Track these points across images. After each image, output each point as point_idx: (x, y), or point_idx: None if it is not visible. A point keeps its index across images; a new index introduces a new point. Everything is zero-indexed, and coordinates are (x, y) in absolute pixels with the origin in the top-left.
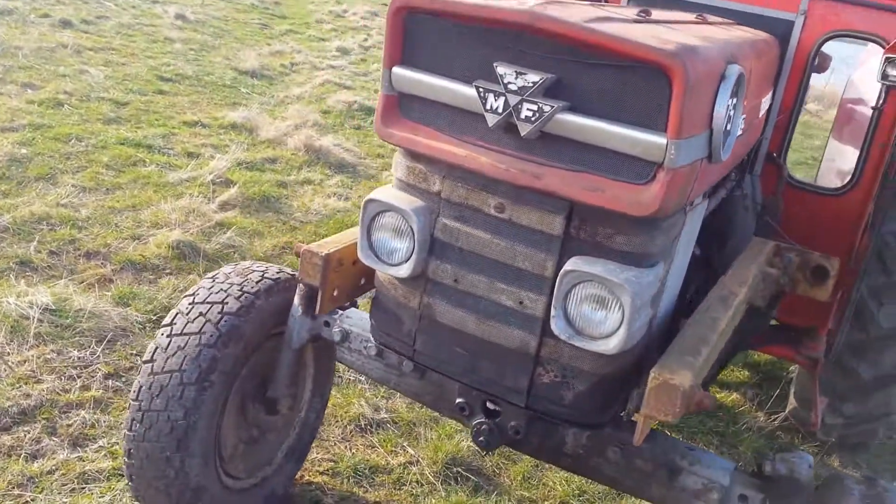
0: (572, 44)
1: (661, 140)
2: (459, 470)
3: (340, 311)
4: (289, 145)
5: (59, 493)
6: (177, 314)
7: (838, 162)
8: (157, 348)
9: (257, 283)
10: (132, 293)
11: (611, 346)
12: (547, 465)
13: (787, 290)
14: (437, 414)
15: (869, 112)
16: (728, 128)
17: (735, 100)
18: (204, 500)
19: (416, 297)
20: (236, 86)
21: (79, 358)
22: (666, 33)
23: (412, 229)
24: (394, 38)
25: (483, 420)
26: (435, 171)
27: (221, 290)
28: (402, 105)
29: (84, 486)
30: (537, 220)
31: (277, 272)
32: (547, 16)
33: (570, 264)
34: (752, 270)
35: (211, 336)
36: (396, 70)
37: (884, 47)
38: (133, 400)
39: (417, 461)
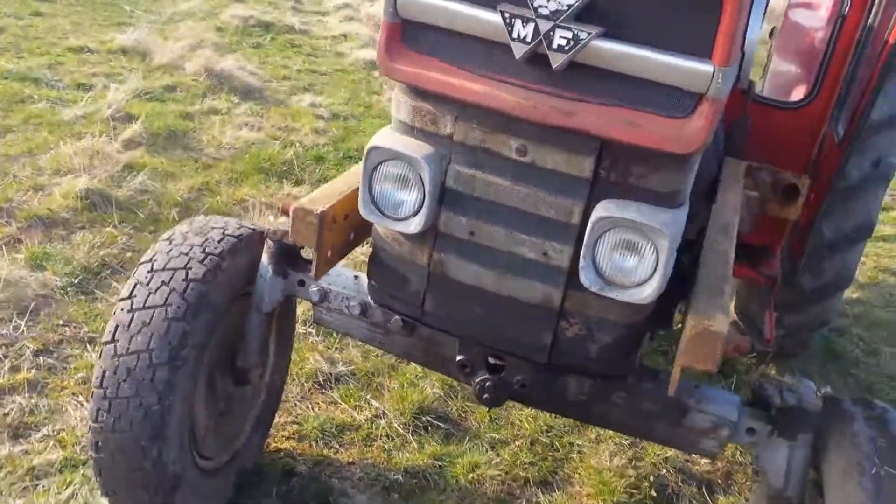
0: None
1: (707, 68)
2: (428, 419)
3: (307, 264)
4: (187, 70)
5: (10, 495)
6: (135, 285)
7: (785, 75)
8: (117, 326)
9: (219, 242)
10: (45, 254)
11: (645, 294)
12: (511, 404)
13: (758, 210)
14: (395, 361)
15: (819, 23)
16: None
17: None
18: (181, 488)
19: (424, 253)
20: (117, 1)
21: (1, 335)
22: None
23: (422, 179)
24: None
25: (487, 376)
26: (446, 110)
27: (182, 253)
28: (406, 34)
29: (37, 482)
30: (564, 163)
31: (238, 228)
32: None
33: (602, 209)
34: (738, 195)
35: (178, 307)
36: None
37: None
38: (96, 387)
39: (384, 413)
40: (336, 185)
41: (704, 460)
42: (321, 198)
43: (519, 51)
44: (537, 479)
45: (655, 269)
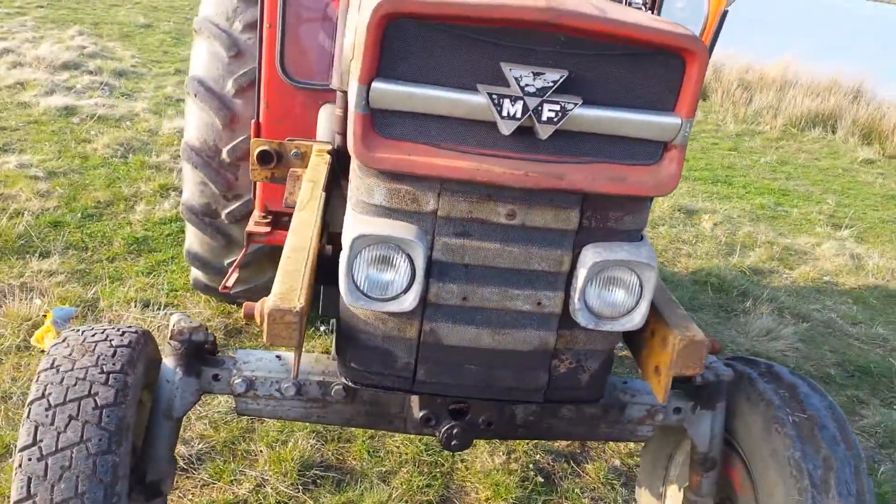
0: (591, 36)
1: (675, 120)
2: (315, 473)
3: (223, 358)
4: None
5: None
6: (36, 429)
7: None
8: (30, 479)
9: (114, 356)
10: None
11: (636, 321)
12: (379, 433)
13: None
14: (249, 423)
15: None
16: None
17: None
18: None
19: (413, 326)
20: None
21: None
22: (647, 15)
23: (411, 257)
24: (373, 50)
25: (452, 423)
26: (427, 189)
27: (79, 379)
28: (378, 122)
29: None
30: (552, 219)
31: (122, 334)
32: (569, 11)
33: (592, 255)
34: None
35: (101, 440)
36: (377, 85)
37: None
38: None
39: (265, 480)
40: (287, 272)
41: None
42: (285, 292)
43: (509, 127)
44: (437, 499)
45: (641, 296)
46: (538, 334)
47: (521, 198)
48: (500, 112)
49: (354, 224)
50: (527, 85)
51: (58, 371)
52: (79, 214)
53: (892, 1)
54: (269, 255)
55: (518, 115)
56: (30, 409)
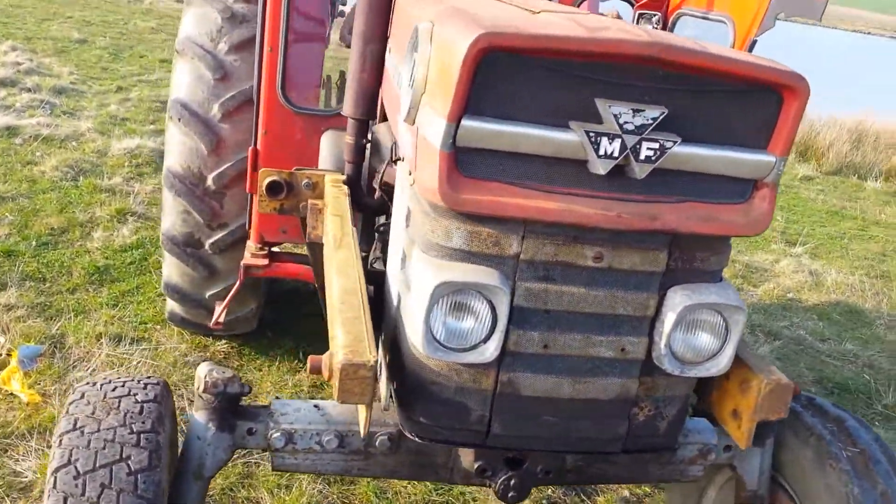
0: (691, 71)
1: (770, 158)
2: None
3: (257, 409)
4: None
5: None
6: (65, 499)
7: None
8: None
9: (141, 413)
10: None
11: (723, 364)
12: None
13: None
14: (242, 468)
15: None
16: None
17: None
18: None
19: (489, 376)
20: None
21: None
22: (742, 52)
23: (492, 304)
24: (466, 86)
25: (510, 474)
26: (510, 231)
27: (107, 441)
28: (460, 162)
29: None
30: (640, 261)
31: (145, 387)
32: (674, 45)
33: (681, 298)
34: None
35: None
36: (468, 123)
37: None
38: None
39: None
40: (348, 320)
41: None
42: (353, 344)
43: (605, 167)
44: None
45: (727, 339)
46: (620, 382)
47: (608, 239)
48: (596, 151)
49: (432, 270)
50: (626, 122)
51: (82, 433)
52: (33, 242)
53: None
54: (251, 286)
55: (615, 154)
56: (55, 478)
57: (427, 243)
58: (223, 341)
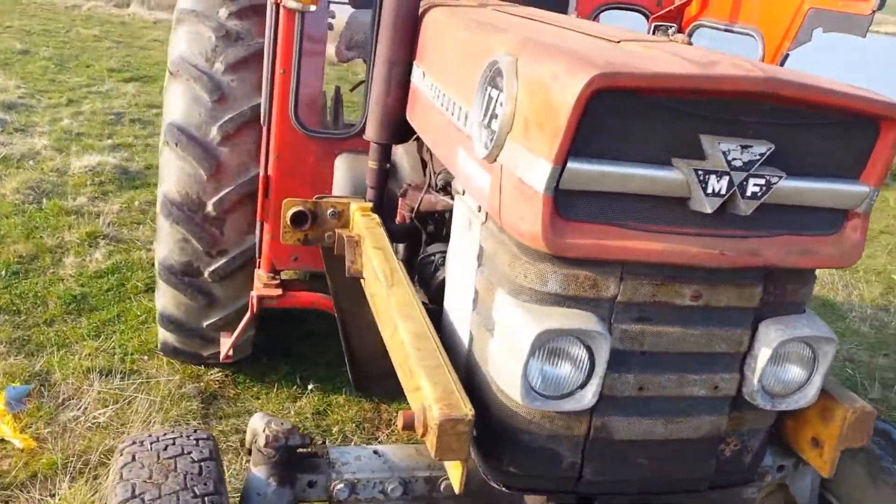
0: (796, 105)
1: (863, 188)
2: None
3: (316, 459)
4: None
5: None
6: None
7: None
8: None
9: (201, 474)
10: None
11: (810, 396)
12: None
13: None
14: None
15: None
16: None
17: None
18: None
19: (583, 422)
20: None
21: None
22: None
23: (589, 349)
24: (574, 127)
25: None
26: (608, 273)
27: None
28: (560, 205)
29: None
30: (736, 298)
31: (196, 443)
32: (787, 80)
33: (777, 332)
34: None
35: None
36: (574, 166)
37: None
38: None
39: None
40: (431, 369)
41: None
42: (446, 397)
43: (713, 205)
44: None
45: (814, 370)
46: (710, 419)
47: (706, 277)
48: (704, 189)
49: (532, 317)
50: (734, 159)
51: (143, 502)
52: (2, 272)
53: None
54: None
55: (723, 192)
56: None
57: (516, 287)
58: (216, 370)
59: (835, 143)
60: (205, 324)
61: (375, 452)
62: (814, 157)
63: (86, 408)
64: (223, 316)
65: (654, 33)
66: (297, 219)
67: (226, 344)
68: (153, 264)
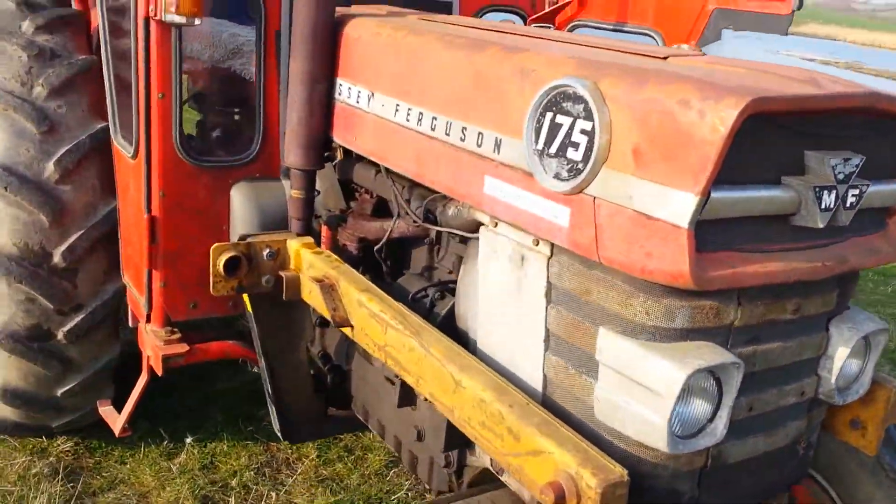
0: (882, 116)
1: None
2: None
3: None
4: None
5: None
6: None
7: None
8: None
9: None
10: None
11: (866, 385)
12: None
13: None
14: None
15: None
16: None
17: None
18: None
19: (701, 455)
20: None
21: None
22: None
23: (718, 381)
24: (722, 155)
25: None
26: (728, 300)
27: None
28: (697, 237)
29: None
30: (822, 304)
31: None
32: (887, 94)
33: (850, 331)
34: None
35: None
36: (719, 196)
37: None
38: None
39: None
40: (541, 424)
41: None
42: (588, 460)
43: (824, 219)
44: None
45: (867, 360)
46: (797, 424)
47: (803, 289)
48: (820, 204)
49: (672, 358)
50: (839, 172)
51: None
52: None
53: None
54: (101, 370)
55: (831, 206)
56: None
57: (633, 326)
58: (62, 438)
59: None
60: (59, 392)
61: None
62: (886, 161)
63: None
64: (82, 380)
65: None
66: (231, 266)
67: (115, 418)
68: None
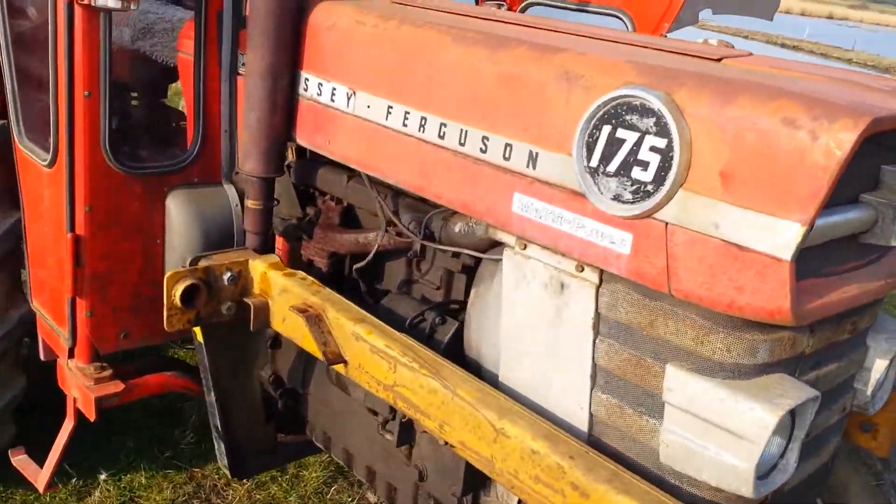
0: None
1: None
2: None
3: None
4: None
5: None
6: None
7: None
8: None
9: None
10: None
11: (888, 391)
12: None
13: None
14: None
15: None
16: None
17: None
18: None
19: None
20: None
21: None
22: None
23: (792, 414)
24: (835, 181)
25: None
26: (802, 329)
27: None
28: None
29: None
30: (870, 319)
31: None
32: None
33: (887, 342)
34: None
35: None
36: (820, 222)
37: None
38: None
39: None
40: (580, 458)
41: None
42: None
43: None
44: None
45: (891, 366)
46: (836, 440)
47: (859, 307)
48: (894, 221)
49: (762, 400)
50: None
51: None
52: None
53: None
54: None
55: None
56: None
57: (710, 364)
58: None
59: None
60: None
61: None
62: None
63: None
64: None
65: None
66: (188, 296)
67: (33, 470)
68: None
